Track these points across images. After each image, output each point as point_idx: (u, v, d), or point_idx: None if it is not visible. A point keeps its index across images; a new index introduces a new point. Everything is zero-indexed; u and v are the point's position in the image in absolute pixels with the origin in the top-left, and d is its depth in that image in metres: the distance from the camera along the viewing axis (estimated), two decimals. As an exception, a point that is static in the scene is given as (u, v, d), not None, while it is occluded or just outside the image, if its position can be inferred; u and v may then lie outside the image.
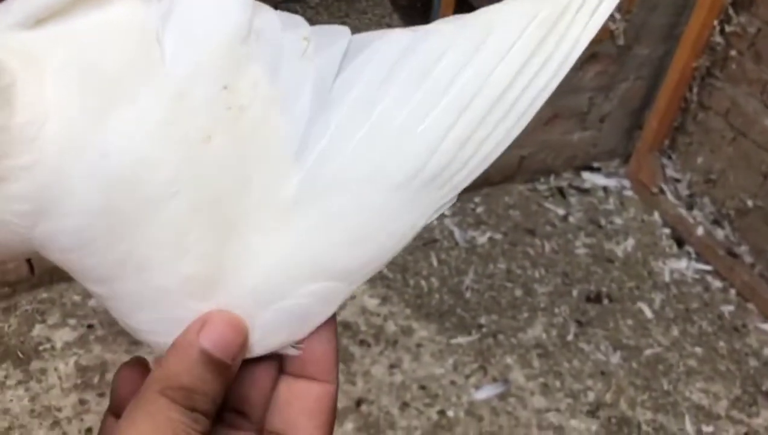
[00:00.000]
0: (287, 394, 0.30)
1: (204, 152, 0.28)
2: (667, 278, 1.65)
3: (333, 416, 0.31)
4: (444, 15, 1.35)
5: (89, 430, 1.25)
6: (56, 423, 1.25)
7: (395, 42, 0.30)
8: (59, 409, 1.27)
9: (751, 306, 1.60)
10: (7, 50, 0.27)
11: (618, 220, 1.78)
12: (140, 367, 0.32)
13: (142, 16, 0.28)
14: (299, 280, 0.29)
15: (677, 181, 1.79)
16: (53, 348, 1.37)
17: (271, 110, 0.29)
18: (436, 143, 0.29)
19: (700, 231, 1.69)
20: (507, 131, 0.30)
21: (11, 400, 1.28)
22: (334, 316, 0.31)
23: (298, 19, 0.31)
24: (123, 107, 0.27)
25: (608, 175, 1.91)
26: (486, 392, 1.37)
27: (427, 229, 1.42)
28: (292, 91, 0.29)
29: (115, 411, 0.32)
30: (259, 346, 0.29)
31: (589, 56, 1.64)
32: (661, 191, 1.78)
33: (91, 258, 0.28)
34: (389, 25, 1.50)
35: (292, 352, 0.30)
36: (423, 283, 1.56)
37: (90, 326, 1.41)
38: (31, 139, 0.26)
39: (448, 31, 0.30)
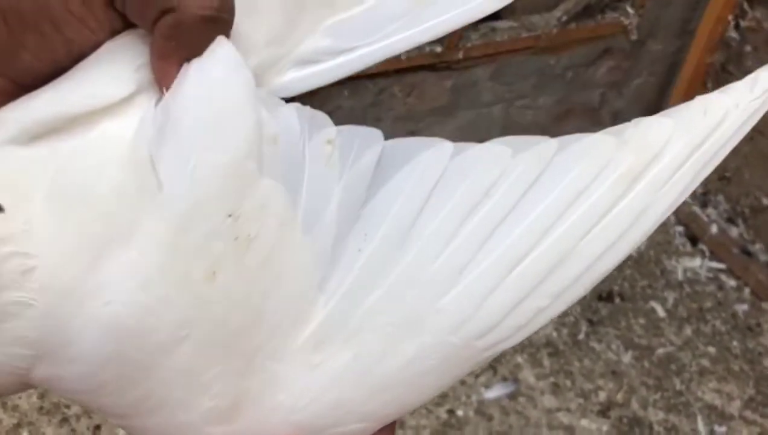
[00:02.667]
0: None
1: (209, 291, 0.25)
2: (680, 277, 1.63)
3: None
4: None
5: (98, 427, 1.25)
6: (65, 420, 1.25)
7: (437, 159, 0.27)
8: (68, 407, 1.27)
9: (765, 305, 1.57)
10: None
11: (630, 218, 1.77)
12: None
13: (133, 136, 0.25)
14: (327, 419, 0.27)
15: (691, 178, 1.77)
16: (62, 345, 1.37)
17: (289, 233, 0.26)
18: (479, 301, 0.26)
19: (714, 229, 1.67)
20: (567, 302, 0.27)
21: (20, 397, 1.28)
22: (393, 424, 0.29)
23: (322, 118, 0.28)
24: (118, 249, 0.24)
25: (620, 172, 1.89)
26: (496, 391, 1.36)
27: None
28: (314, 207, 0.26)
29: None
30: None
31: (602, 52, 1.62)
32: (674, 189, 1.77)
33: (104, 399, 0.26)
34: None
35: None
36: (433, 281, 1.55)
37: (99, 323, 1.41)
38: (21, 273, 0.24)
39: (500, 155, 0.27)
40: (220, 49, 0.26)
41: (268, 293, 0.26)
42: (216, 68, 0.26)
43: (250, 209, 0.25)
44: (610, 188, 0.27)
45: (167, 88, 0.26)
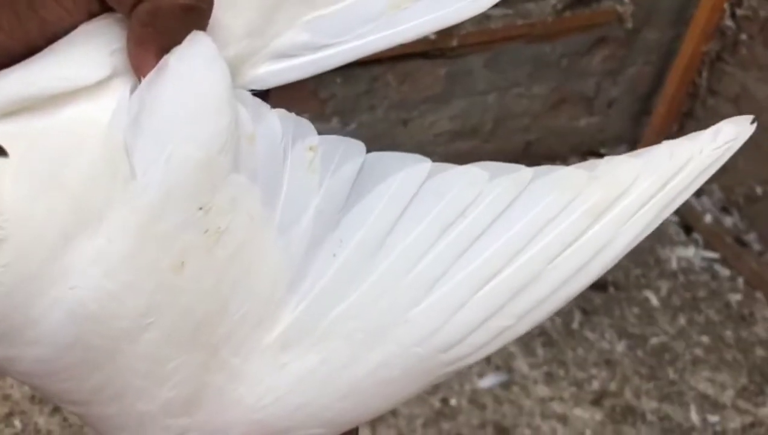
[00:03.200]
0: None
1: (176, 281, 0.25)
2: (674, 266, 1.63)
3: None
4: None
5: (90, 416, 1.25)
6: (57, 409, 1.25)
7: (415, 176, 0.28)
8: (60, 396, 1.27)
9: (758, 295, 1.58)
10: None
11: (624, 207, 1.77)
12: None
13: (108, 120, 0.25)
14: (289, 421, 0.27)
15: (685, 167, 1.77)
16: (54, 334, 1.36)
17: (261, 231, 0.26)
18: (447, 315, 0.27)
19: (708, 218, 1.67)
20: (531, 323, 0.28)
21: (12, 386, 1.27)
22: None
23: (306, 125, 0.28)
24: (87, 235, 0.24)
25: (615, 161, 1.89)
26: (489, 381, 1.36)
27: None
28: (291, 211, 0.27)
29: None
30: None
31: (597, 40, 1.62)
32: (669, 178, 1.77)
33: (61, 385, 0.26)
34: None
35: None
36: (426, 270, 1.54)
37: (91, 312, 1.41)
38: None
39: (477, 178, 0.28)
40: (198, 42, 0.26)
41: (235, 287, 0.26)
42: (194, 61, 0.26)
43: (220, 203, 0.25)
44: (578, 219, 0.28)
45: (143, 76, 0.25)
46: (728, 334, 1.50)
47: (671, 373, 1.41)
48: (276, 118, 0.27)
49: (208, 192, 0.25)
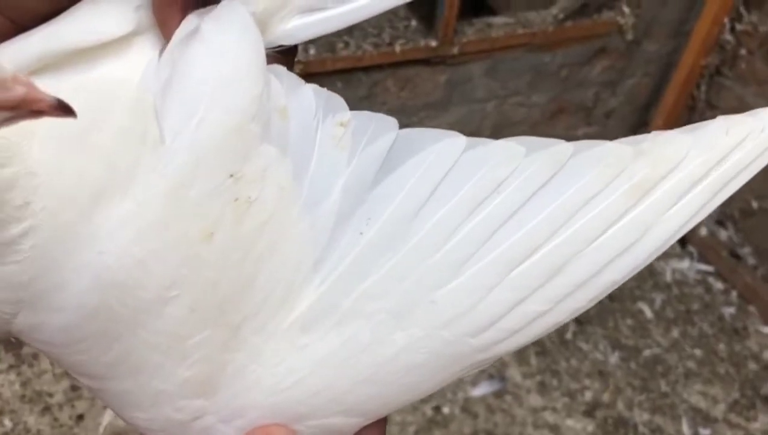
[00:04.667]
0: None
1: (205, 252, 0.24)
2: (668, 278, 1.63)
3: None
4: (450, 4, 1.33)
5: (81, 416, 1.24)
6: (47, 408, 1.24)
7: (448, 151, 0.26)
8: (51, 395, 1.26)
9: (752, 308, 1.58)
10: None
11: (620, 218, 1.77)
12: None
13: (138, 81, 0.25)
14: (307, 407, 0.26)
15: (682, 180, 1.78)
16: (46, 332, 1.36)
17: (289, 205, 0.25)
18: (476, 298, 0.25)
19: (703, 231, 1.67)
20: (568, 312, 0.26)
21: (2, 385, 1.27)
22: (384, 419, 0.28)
23: (338, 101, 0.27)
24: (117, 198, 0.24)
25: (612, 172, 1.89)
26: (482, 389, 1.35)
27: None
28: (319, 187, 0.26)
29: None
30: None
31: (597, 50, 1.62)
32: (665, 190, 1.77)
33: (80, 356, 0.25)
34: (395, 14, 1.48)
35: None
36: (421, 276, 1.54)
37: (84, 311, 1.40)
38: (20, 208, 0.23)
39: (513, 153, 0.26)
40: (232, 9, 0.25)
41: (260, 263, 0.25)
42: (228, 28, 0.25)
43: (251, 172, 0.25)
44: (621, 197, 0.26)
45: (168, 33, 0.25)
46: (721, 347, 1.50)
47: (664, 386, 1.41)
48: (310, 92, 0.26)
49: (239, 160, 0.25)
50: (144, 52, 0.25)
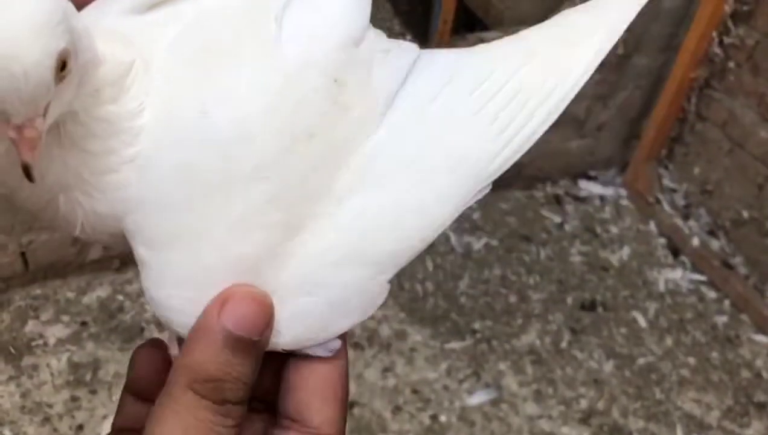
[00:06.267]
0: (296, 376, 0.29)
1: (303, 149, 0.28)
2: (661, 288, 1.65)
3: (345, 392, 0.29)
4: (444, 20, 1.35)
5: (80, 427, 1.24)
6: (47, 419, 1.25)
7: (451, 59, 0.32)
8: (50, 406, 1.27)
9: (744, 317, 1.60)
10: (119, 38, 0.27)
11: (614, 229, 1.79)
12: (157, 347, 0.32)
13: (255, 1, 0.29)
14: (334, 267, 0.28)
15: (674, 191, 1.80)
16: (46, 344, 1.36)
17: (372, 121, 0.29)
18: (480, 131, 0.30)
19: (695, 241, 1.69)
20: (532, 130, 0.31)
21: (2, 396, 1.27)
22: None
23: (378, 33, 0.32)
24: (229, 73, 0.28)
25: (605, 183, 1.91)
26: (479, 398, 1.37)
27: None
28: (375, 102, 0.30)
29: (132, 390, 0.32)
30: (288, 337, 0.28)
31: (589, 65, 1.64)
32: (658, 201, 1.79)
33: (154, 217, 0.27)
34: (390, 29, 1.50)
35: (322, 353, 0.29)
36: (418, 287, 1.56)
37: (83, 323, 1.41)
38: (136, 131, 0.27)
39: (493, 54, 0.32)
40: None
41: (339, 168, 0.29)
42: None
43: (352, 83, 0.29)
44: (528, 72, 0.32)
45: None
46: (714, 355, 1.51)
47: (658, 393, 1.43)
48: (372, 31, 0.31)
49: (343, 70, 0.29)
50: None
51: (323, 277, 0.28)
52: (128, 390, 0.32)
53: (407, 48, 0.32)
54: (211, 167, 0.27)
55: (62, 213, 0.28)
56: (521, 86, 0.31)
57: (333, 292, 0.28)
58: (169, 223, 0.27)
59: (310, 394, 0.28)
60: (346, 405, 0.29)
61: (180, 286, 0.27)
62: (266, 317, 0.27)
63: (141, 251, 0.28)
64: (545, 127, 0.32)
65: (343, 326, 0.29)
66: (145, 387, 0.31)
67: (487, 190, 0.31)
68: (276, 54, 0.28)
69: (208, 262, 0.27)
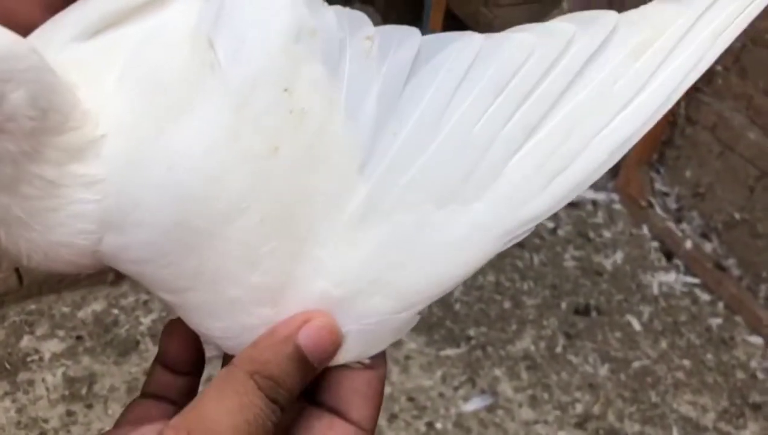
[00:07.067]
0: (340, 374, 0.30)
1: (272, 164, 0.27)
2: (655, 291, 1.65)
3: (381, 397, 0.31)
4: (434, 27, 1.37)
5: (76, 441, 1.24)
6: (43, 434, 1.25)
7: (468, 47, 0.29)
8: (46, 421, 1.27)
9: (738, 319, 1.60)
10: (67, 64, 0.27)
11: (606, 234, 1.79)
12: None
13: (193, 19, 0.29)
14: (367, 297, 0.29)
15: (665, 194, 1.80)
16: (41, 359, 1.36)
17: (333, 115, 0.28)
18: (508, 156, 0.28)
19: (688, 244, 1.70)
20: (595, 168, 0.29)
21: (-2, 412, 1.27)
22: None
23: (362, 18, 0.30)
24: (183, 117, 0.27)
25: (597, 188, 1.92)
26: (474, 404, 1.37)
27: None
28: (355, 95, 0.28)
29: (162, 362, 0.34)
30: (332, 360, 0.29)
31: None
32: (650, 205, 1.80)
33: (164, 270, 0.28)
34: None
35: (357, 366, 0.30)
36: (412, 295, 1.56)
37: (79, 338, 1.41)
38: (96, 150, 0.27)
39: (524, 40, 0.29)
40: None
41: (317, 172, 0.28)
42: None
43: (302, 86, 0.28)
44: (625, 58, 0.28)
45: None
46: (709, 357, 1.52)
47: (653, 396, 1.43)
48: (332, 13, 0.29)
49: (290, 75, 0.27)
50: (190, 0, 0.29)
51: (359, 309, 0.29)
52: (158, 361, 0.34)
53: (403, 34, 0.29)
54: (193, 215, 0.27)
55: (4, 245, 0.28)
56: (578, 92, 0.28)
57: (371, 326, 0.29)
58: (177, 271, 0.28)
59: (353, 392, 0.30)
60: (379, 411, 0.31)
61: (214, 318, 0.29)
62: (332, 352, 0.29)
63: (163, 296, 0.29)
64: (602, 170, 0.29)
65: (378, 349, 0.30)
66: (174, 360, 0.34)
67: (531, 229, 0.29)
68: (219, 83, 0.27)
69: (233, 296, 0.28)
